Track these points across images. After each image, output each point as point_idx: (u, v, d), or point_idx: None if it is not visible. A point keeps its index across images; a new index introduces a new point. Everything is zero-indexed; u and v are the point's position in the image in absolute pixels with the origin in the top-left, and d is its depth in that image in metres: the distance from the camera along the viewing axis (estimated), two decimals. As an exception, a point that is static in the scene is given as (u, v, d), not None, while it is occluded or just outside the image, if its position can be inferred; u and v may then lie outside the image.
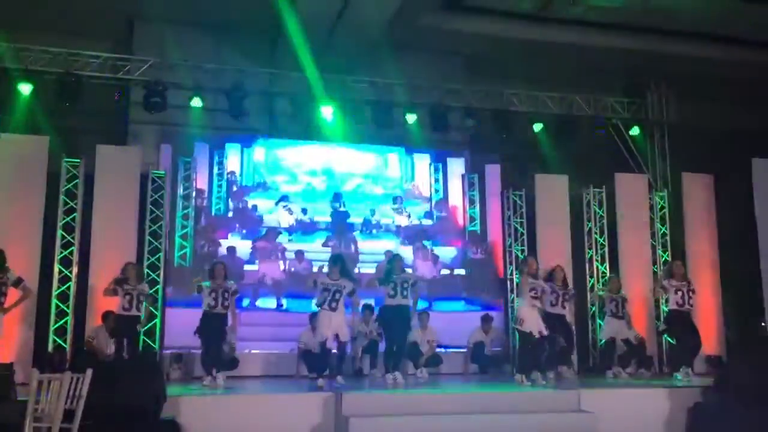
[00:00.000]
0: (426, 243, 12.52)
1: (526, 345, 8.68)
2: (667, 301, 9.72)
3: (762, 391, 7.25)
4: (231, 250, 11.67)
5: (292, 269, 11.84)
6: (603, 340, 10.52)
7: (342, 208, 12.47)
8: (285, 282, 11.70)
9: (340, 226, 12.35)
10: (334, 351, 8.30)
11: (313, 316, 10.26)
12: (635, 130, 12.63)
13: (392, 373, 8.61)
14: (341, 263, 8.35)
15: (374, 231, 12.37)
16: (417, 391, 8.11)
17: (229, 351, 9.33)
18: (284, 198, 12.30)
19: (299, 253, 11.92)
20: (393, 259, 9.05)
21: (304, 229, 12.27)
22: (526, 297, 8.64)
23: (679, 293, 9.00)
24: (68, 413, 4.09)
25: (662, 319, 9.50)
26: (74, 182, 10.39)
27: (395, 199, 12.82)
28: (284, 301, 11.60)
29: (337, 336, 8.07)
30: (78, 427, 4.14)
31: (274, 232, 12.03)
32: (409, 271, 10.05)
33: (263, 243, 11.91)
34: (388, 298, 8.65)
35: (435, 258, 12.51)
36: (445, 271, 12.56)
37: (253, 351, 10.77)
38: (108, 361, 8.59)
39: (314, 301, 8.39)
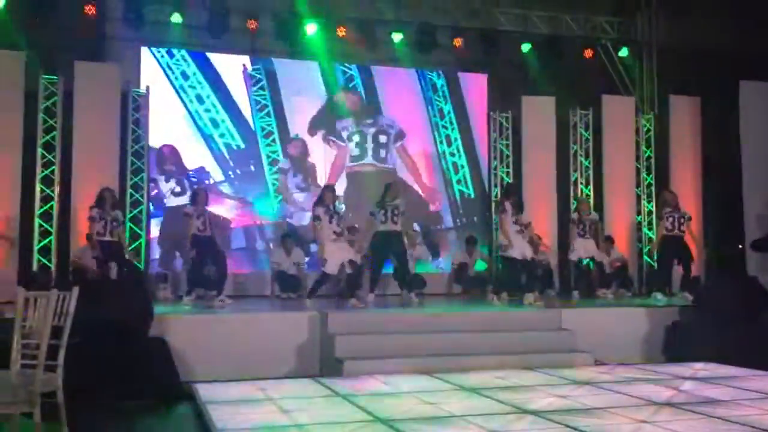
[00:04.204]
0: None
1: (514, 268, 8.78)
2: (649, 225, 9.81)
3: (737, 311, 7.47)
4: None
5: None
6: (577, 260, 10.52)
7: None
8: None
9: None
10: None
11: (285, 236, 10.57)
12: (624, 51, 12.48)
13: (409, 293, 8.77)
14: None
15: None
16: (400, 311, 8.22)
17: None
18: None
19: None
20: (388, 185, 8.99)
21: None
22: (509, 225, 8.69)
23: (670, 219, 9.29)
24: (55, 330, 4.09)
25: (658, 245, 9.61)
26: (53, 100, 10.15)
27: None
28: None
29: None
30: (65, 344, 4.16)
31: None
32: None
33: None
34: (380, 224, 8.66)
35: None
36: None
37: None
38: (94, 279, 8.60)
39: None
